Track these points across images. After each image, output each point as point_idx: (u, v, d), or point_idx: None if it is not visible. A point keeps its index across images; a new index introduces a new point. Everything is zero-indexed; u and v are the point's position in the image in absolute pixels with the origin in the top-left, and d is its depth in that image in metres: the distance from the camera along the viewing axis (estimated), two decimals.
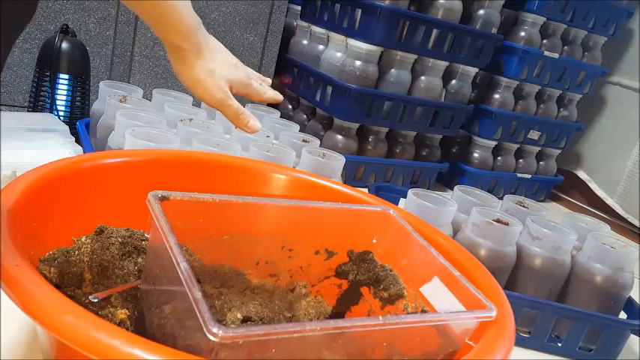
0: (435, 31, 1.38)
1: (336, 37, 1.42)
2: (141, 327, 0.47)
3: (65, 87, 1.15)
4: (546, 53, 1.54)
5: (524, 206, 1.02)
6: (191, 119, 0.97)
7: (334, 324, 0.39)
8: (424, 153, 1.56)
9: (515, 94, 1.60)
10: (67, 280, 0.51)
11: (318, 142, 1.06)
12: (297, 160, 0.93)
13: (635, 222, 1.67)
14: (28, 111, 1.19)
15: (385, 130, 1.48)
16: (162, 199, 0.47)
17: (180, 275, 0.38)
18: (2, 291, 0.36)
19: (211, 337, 0.34)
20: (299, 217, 0.58)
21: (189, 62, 0.68)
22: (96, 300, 0.48)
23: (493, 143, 1.62)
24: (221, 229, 0.54)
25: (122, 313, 0.48)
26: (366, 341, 0.43)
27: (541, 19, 1.54)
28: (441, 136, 1.58)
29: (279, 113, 1.22)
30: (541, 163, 1.76)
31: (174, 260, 0.40)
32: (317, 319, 0.57)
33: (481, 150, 1.62)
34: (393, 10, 1.30)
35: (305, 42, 1.57)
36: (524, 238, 0.90)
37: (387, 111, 1.41)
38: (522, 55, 1.51)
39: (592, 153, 1.85)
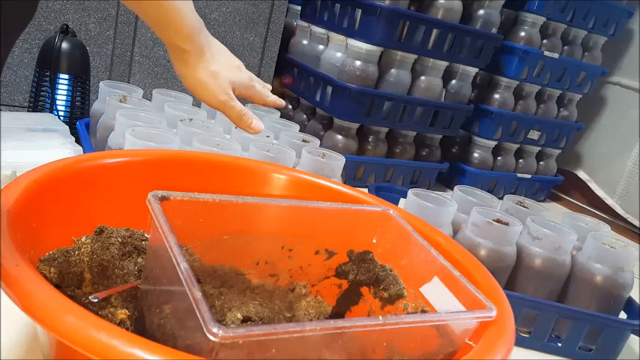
0: (435, 31, 1.38)
1: (336, 37, 1.42)
2: (141, 327, 0.47)
3: (65, 87, 1.15)
4: (546, 53, 1.54)
5: (524, 206, 1.02)
6: (191, 119, 0.97)
7: (334, 324, 0.39)
8: (424, 153, 1.56)
9: (515, 94, 1.60)
10: (67, 280, 0.51)
11: (318, 142, 1.06)
12: (297, 160, 0.93)
13: (635, 222, 1.67)
14: (28, 111, 1.19)
15: (385, 130, 1.48)
16: (163, 199, 0.47)
17: (180, 275, 0.38)
18: (2, 291, 0.36)
19: (211, 337, 0.34)
20: (299, 217, 0.58)
21: (192, 64, 0.67)
22: (96, 300, 0.48)
23: (493, 143, 1.62)
24: (221, 229, 0.54)
25: (122, 313, 0.48)
26: (366, 341, 0.43)
27: (541, 19, 1.54)
28: (441, 136, 1.58)
29: (279, 113, 1.22)
30: (541, 163, 1.76)
31: (174, 260, 0.40)
32: (317, 319, 0.57)
33: (481, 150, 1.62)
34: (393, 10, 1.30)
35: (305, 42, 1.57)
36: (524, 238, 0.90)
37: (387, 111, 1.41)
38: (522, 55, 1.51)
39: (592, 153, 1.85)
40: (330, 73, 1.41)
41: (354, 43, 1.34)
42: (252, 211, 0.55)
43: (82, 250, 0.53)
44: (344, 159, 0.95)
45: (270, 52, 1.54)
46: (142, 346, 0.32)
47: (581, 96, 1.73)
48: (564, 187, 1.88)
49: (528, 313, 0.85)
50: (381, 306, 0.58)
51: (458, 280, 0.51)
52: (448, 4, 1.38)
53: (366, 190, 0.90)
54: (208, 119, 1.04)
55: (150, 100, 1.05)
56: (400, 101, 1.41)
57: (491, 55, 1.51)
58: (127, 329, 0.47)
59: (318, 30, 1.50)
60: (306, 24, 1.55)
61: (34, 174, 0.52)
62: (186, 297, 0.37)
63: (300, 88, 1.55)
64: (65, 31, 1.14)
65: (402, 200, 1.07)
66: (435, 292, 0.53)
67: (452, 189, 1.28)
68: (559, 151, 1.78)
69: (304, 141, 1.04)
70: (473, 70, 1.51)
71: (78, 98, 1.17)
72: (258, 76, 1.55)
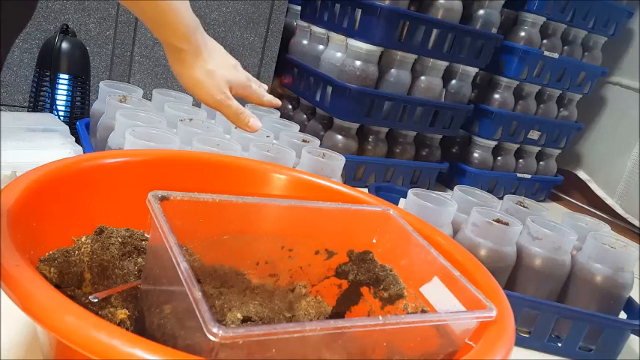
0: (435, 31, 1.38)
1: (336, 37, 1.42)
2: (141, 327, 0.47)
3: (65, 87, 1.15)
4: (546, 53, 1.54)
5: (524, 206, 1.02)
6: (191, 119, 0.97)
7: (334, 324, 0.39)
8: (424, 153, 1.56)
9: (515, 94, 1.60)
10: (67, 280, 0.51)
11: (318, 142, 1.06)
12: (297, 160, 0.93)
13: (635, 222, 1.67)
14: (28, 111, 1.19)
15: (385, 130, 1.48)
16: (163, 199, 0.47)
17: (180, 275, 0.38)
18: (2, 291, 0.36)
19: (211, 337, 0.34)
20: (299, 217, 0.58)
21: (188, 63, 0.68)
22: (96, 300, 0.48)
23: (493, 143, 1.62)
24: (221, 229, 0.54)
25: (122, 313, 0.48)
26: (366, 341, 0.43)
27: (541, 19, 1.54)
28: (441, 136, 1.58)
29: (279, 113, 1.22)
30: (541, 163, 1.76)
31: (174, 260, 0.40)
32: (317, 319, 0.57)
33: (481, 150, 1.62)
34: (393, 10, 1.30)
35: (305, 42, 1.57)
36: (524, 238, 0.90)
37: (387, 111, 1.41)
38: (522, 55, 1.51)
39: (592, 153, 1.85)
40: (330, 73, 1.41)
41: (354, 43, 1.34)
42: (252, 211, 0.55)
43: (82, 250, 0.53)
44: (344, 159, 0.95)
45: (270, 52, 1.54)
46: (142, 346, 0.32)
47: (581, 96, 1.73)
48: (564, 187, 1.88)
49: (528, 313, 0.85)
50: (381, 306, 0.58)
51: (458, 280, 0.51)
52: (448, 4, 1.38)
53: (366, 190, 0.90)
54: (208, 119, 1.04)
55: (150, 100, 1.05)
56: (400, 101, 1.41)
57: (491, 55, 1.51)
58: (127, 329, 0.47)
59: (318, 30, 1.50)
60: (306, 24, 1.55)
61: (34, 174, 0.52)
62: (186, 297, 0.37)
63: (300, 88, 1.55)
64: (65, 31, 1.14)
65: (402, 200, 1.07)
66: (435, 292, 0.53)
67: (452, 189, 1.28)
68: (559, 151, 1.78)
69: (304, 141, 1.04)
70: (473, 70, 1.51)
71: (78, 98, 1.17)
72: (258, 76, 1.55)
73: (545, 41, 1.57)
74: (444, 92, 1.50)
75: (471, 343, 0.46)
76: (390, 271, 0.59)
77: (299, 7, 1.61)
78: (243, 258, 0.57)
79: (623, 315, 0.91)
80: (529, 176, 1.71)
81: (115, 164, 0.62)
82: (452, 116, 1.51)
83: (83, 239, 0.55)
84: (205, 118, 1.04)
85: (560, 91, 1.67)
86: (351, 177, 1.42)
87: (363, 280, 0.60)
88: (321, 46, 1.50)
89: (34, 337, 0.59)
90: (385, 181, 1.47)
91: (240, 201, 0.53)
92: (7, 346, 0.57)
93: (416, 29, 1.35)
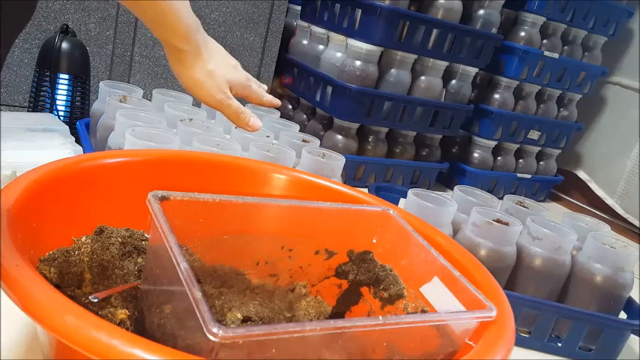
0: (435, 31, 1.38)
1: (336, 37, 1.42)
2: (141, 327, 0.47)
3: (65, 87, 1.15)
4: (546, 53, 1.54)
5: (524, 206, 1.02)
6: (191, 119, 0.97)
7: (334, 324, 0.39)
8: (424, 153, 1.56)
9: (515, 94, 1.60)
10: (67, 280, 0.51)
11: (318, 142, 1.06)
12: (297, 160, 0.93)
13: (635, 222, 1.67)
14: (28, 111, 1.19)
15: (385, 130, 1.48)
16: (163, 199, 0.47)
17: (180, 275, 0.38)
18: (2, 291, 0.36)
19: (211, 337, 0.34)
20: (299, 217, 0.58)
21: (189, 63, 0.68)
22: (96, 300, 0.48)
23: (493, 143, 1.62)
24: (221, 229, 0.54)
25: (122, 313, 0.48)
26: (366, 341, 0.43)
27: (541, 19, 1.54)
28: (441, 136, 1.58)
29: (279, 113, 1.22)
30: (541, 163, 1.76)
31: (174, 260, 0.40)
32: (317, 319, 0.57)
33: (481, 150, 1.62)
34: (393, 10, 1.30)
35: (305, 42, 1.57)
36: (524, 238, 0.90)
37: (387, 111, 1.41)
38: (522, 55, 1.51)
39: (592, 153, 1.85)
40: (330, 73, 1.41)
41: (354, 43, 1.34)
42: (252, 211, 0.55)
43: (82, 250, 0.53)
44: (344, 159, 0.95)
45: (270, 52, 1.54)
46: (142, 346, 0.32)
47: (581, 96, 1.73)
48: (564, 187, 1.88)
49: (528, 313, 0.85)
50: (381, 306, 0.58)
51: (458, 280, 0.51)
52: (448, 4, 1.38)
53: (366, 190, 0.90)
54: (208, 119, 1.04)
55: (150, 100, 1.05)
56: (400, 101, 1.41)
57: (491, 55, 1.51)
58: (127, 329, 0.47)
59: (318, 30, 1.50)
60: (306, 24, 1.55)
61: (34, 174, 0.52)
62: (186, 297, 0.37)
63: (300, 88, 1.55)
64: (65, 31, 1.14)
65: (402, 200, 1.07)
66: (435, 292, 0.53)
67: (452, 189, 1.28)
68: (559, 151, 1.78)
69: (304, 141, 1.04)
70: (473, 70, 1.51)
71: (78, 98, 1.17)
72: (258, 76, 1.55)
73: (545, 41, 1.57)
74: (444, 92, 1.50)
75: (471, 343, 0.46)
76: (390, 271, 0.59)
77: (299, 7, 1.61)
78: (243, 258, 0.57)
79: (623, 315, 0.91)
80: (529, 176, 1.71)
81: (115, 164, 0.62)
82: (452, 116, 1.51)
83: (83, 239, 0.55)
84: (205, 118, 1.04)
85: (560, 91, 1.67)
86: (351, 177, 1.42)
87: (363, 280, 0.60)
88: (321, 46, 1.50)
89: (34, 337, 0.59)
90: (385, 181, 1.47)
91: (240, 201, 0.53)
92: (7, 346, 0.57)
93: (416, 29, 1.35)
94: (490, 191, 1.58)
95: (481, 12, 1.46)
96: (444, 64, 1.46)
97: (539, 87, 1.62)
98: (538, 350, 0.87)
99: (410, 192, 0.87)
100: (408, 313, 0.55)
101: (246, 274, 0.57)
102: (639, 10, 1.73)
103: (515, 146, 1.68)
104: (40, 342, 0.53)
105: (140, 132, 0.81)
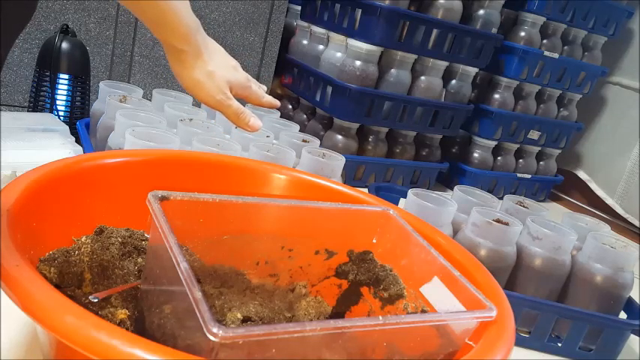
0: (435, 31, 1.38)
1: (336, 37, 1.42)
2: (141, 327, 0.47)
3: (65, 87, 1.15)
4: (546, 53, 1.54)
5: (524, 206, 1.02)
6: (191, 119, 0.97)
7: (334, 324, 0.39)
8: (424, 153, 1.56)
9: (515, 94, 1.60)
10: (67, 280, 0.51)
11: (318, 142, 1.06)
12: (297, 160, 0.93)
13: (635, 222, 1.67)
14: (28, 111, 1.19)
15: (385, 130, 1.48)
16: (163, 199, 0.47)
17: (180, 275, 0.38)
18: (2, 291, 0.36)
19: (211, 337, 0.34)
20: (299, 217, 0.58)
21: (188, 64, 0.68)
22: (96, 300, 0.48)
23: (493, 143, 1.62)
24: (221, 229, 0.54)
25: (122, 313, 0.48)
26: (366, 341, 0.43)
27: (541, 19, 1.54)
28: (441, 136, 1.58)
29: (279, 113, 1.22)
30: (541, 163, 1.76)
31: (174, 260, 0.40)
32: (317, 319, 0.57)
33: (481, 150, 1.62)
34: (393, 10, 1.30)
35: (305, 42, 1.57)
36: (524, 238, 0.90)
37: (387, 111, 1.41)
38: (522, 55, 1.51)
39: (592, 153, 1.85)
40: (330, 73, 1.41)
41: (354, 43, 1.34)
42: (252, 211, 0.55)
43: (82, 250, 0.53)
44: (344, 159, 0.95)
45: (270, 52, 1.54)
46: (142, 346, 0.32)
47: (581, 96, 1.73)
48: (564, 187, 1.88)
49: (528, 313, 0.85)
50: (381, 306, 0.58)
51: (458, 280, 0.51)
52: (448, 4, 1.38)
53: (366, 190, 0.90)
54: (208, 119, 1.04)
55: (150, 100, 1.05)
56: (400, 101, 1.41)
57: (491, 55, 1.51)
58: (127, 329, 0.47)
59: (318, 30, 1.50)
60: (306, 24, 1.55)
61: (34, 174, 0.52)
62: (186, 297, 0.37)
63: (300, 88, 1.55)
64: (65, 31, 1.14)
65: (402, 200, 1.07)
66: (435, 292, 0.53)
67: (452, 189, 1.28)
68: (559, 151, 1.78)
69: (304, 141, 1.04)
70: (473, 70, 1.51)
71: (78, 98, 1.17)
72: (258, 76, 1.55)
73: (545, 41, 1.57)
74: (444, 92, 1.50)
75: (471, 343, 0.46)
76: (390, 271, 0.59)
77: (299, 7, 1.61)
78: (243, 258, 0.57)
79: (623, 315, 0.91)
80: (529, 176, 1.71)
81: (115, 164, 0.62)
82: (452, 116, 1.51)
83: (83, 239, 0.55)
84: (205, 118, 1.04)
85: (560, 91, 1.67)
86: (351, 177, 1.42)
87: (363, 280, 0.60)
88: (321, 46, 1.50)
89: (34, 337, 0.59)
90: (385, 181, 1.47)
91: (240, 201, 0.53)
92: (7, 346, 0.57)
93: (416, 29, 1.35)
94: (490, 191, 1.58)
95: (481, 12, 1.46)
96: (444, 64, 1.46)
97: (539, 87, 1.62)
98: (538, 350, 0.87)
99: (410, 192, 0.87)
100: (408, 313, 0.55)
101: (246, 274, 0.57)
102: (639, 10, 1.73)
103: (515, 146, 1.68)
104: (40, 342, 0.53)
105: (140, 132, 0.81)
